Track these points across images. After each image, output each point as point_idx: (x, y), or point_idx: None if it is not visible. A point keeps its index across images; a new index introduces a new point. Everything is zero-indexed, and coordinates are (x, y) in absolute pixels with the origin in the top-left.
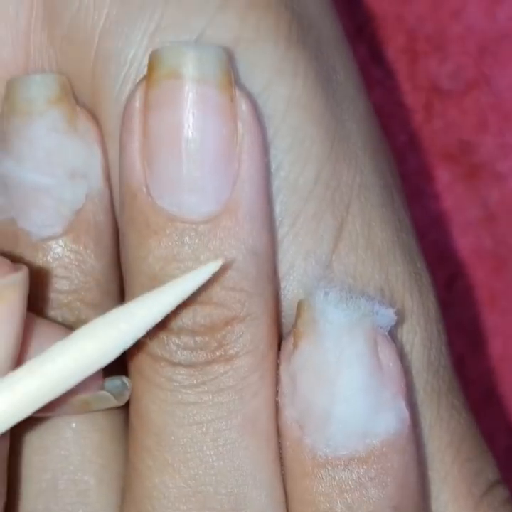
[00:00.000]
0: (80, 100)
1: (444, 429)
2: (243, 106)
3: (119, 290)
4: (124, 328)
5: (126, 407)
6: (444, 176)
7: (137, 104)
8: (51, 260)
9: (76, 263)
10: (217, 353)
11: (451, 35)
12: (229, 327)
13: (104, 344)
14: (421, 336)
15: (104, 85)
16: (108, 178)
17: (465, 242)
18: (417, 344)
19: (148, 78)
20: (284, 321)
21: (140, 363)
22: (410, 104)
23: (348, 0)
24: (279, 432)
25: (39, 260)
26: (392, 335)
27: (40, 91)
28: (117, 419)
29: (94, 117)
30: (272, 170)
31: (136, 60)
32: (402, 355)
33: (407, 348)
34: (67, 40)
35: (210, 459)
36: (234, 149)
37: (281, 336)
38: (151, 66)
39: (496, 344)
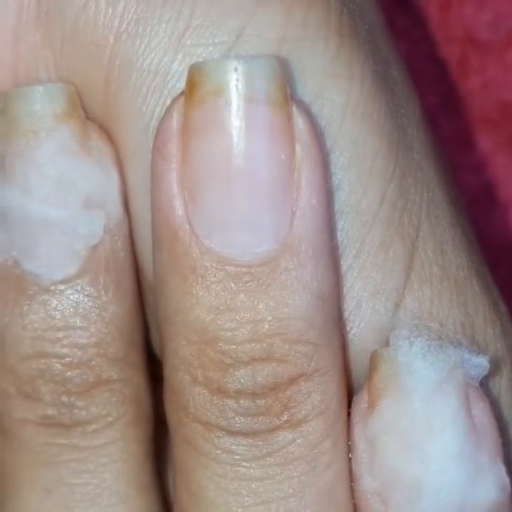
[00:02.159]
0: (88, 114)
1: None
2: (301, 125)
3: (144, 341)
4: None
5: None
6: (483, 145)
7: (175, 126)
8: (65, 308)
9: (96, 311)
10: (283, 418)
11: None
12: (295, 386)
13: None
14: (508, 377)
15: (123, 97)
16: (126, 206)
17: (509, 222)
18: (503, 388)
19: (189, 96)
20: (351, 372)
21: (188, 430)
22: (442, 58)
23: None
24: (356, 507)
25: (51, 309)
26: (484, 386)
27: (45, 105)
28: (151, 497)
29: (108, 135)
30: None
31: (162, 68)
32: (494, 408)
33: (495, 393)
34: (71, 41)
35: None
36: (292, 176)
37: (350, 391)
38: (192, 82)
39: None
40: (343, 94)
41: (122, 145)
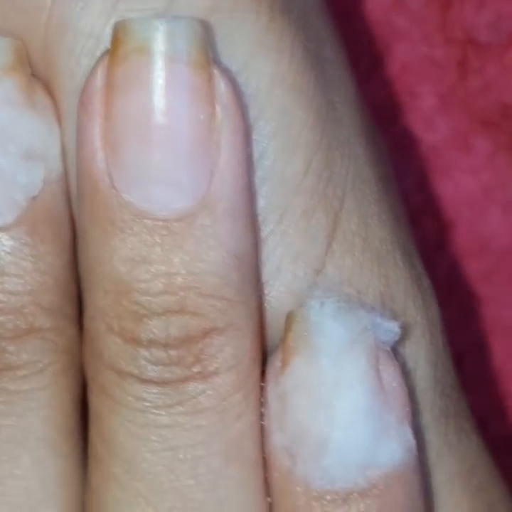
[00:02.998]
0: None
1: (453, 456)
2: (222, 87)
3: (79, 294)
4: None
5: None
6: (482, 147)
7: (99, 82)
8: (1, 255)
9: (31, 259)
10: (194, 369)
11: None
12: (207, 339)
13: None
14: (426, 350)
15: (59, 58)
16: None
17: (508, 226)
18: (421, 359)
19: (113, 53)
20: (268, 332)
21: (103, 378)
22: (441, 60)
23: None
24: (265, 462)
25: None
26: (395, 351)
27: None
28: (78, 442)
29: (50, 92)
30: (255, 158)
31: (95, 31)
32: (405, 374)
33: (411, 364)
34: (10, 2)
35: (189, 491)
36: (212, 137)
37: (265, 350)
38: (117, 40)
39: None
40: (271, 65)
41: (58, 104)
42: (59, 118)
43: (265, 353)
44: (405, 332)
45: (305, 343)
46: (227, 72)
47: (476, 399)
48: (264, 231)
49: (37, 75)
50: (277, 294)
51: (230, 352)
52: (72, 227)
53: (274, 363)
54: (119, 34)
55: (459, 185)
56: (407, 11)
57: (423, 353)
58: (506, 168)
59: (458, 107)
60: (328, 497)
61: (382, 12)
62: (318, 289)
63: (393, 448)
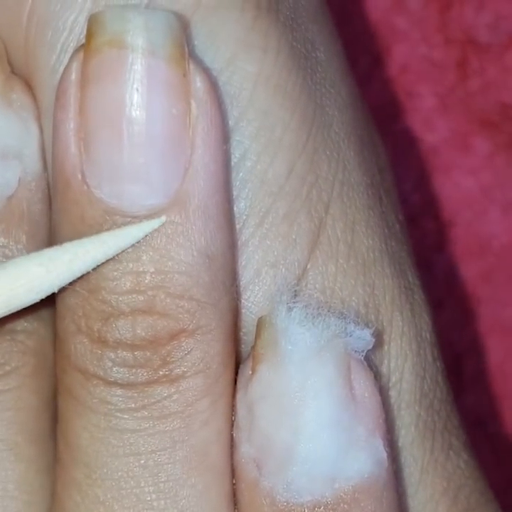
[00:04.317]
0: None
1: (438, 474)
2: (198, 83)
3: (53, 294)
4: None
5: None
6: (481, 147)
7: (73, 76)
8: None
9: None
10: (161, 372)
11: None
12: (175, 342)
13: (29, 281)
14: (412, 362)
15: (40, 54)
16: (45, 160)
17: (507, 226)
18: (407, 371)
19: (87, 46)
20: (245, 338)
21: (69, 379)
22: (441, 60)
23: None
24: (233, 473)
25: None
26: (370, 361)
27: None
28: (45, 446)
29: (30, 89)
30: (236, 159)
31: (77, 26)
32: (386, 385)
33: (396, 376)
34: None
35: (149, 498)
36: (186, 133)
37: (241, 357)
38: (90, 32)
39: None
40: (255, 64)
41: (39, 100)
42: (40, 115)
43: (241, 361)
44: (390, 343)
45: (272, 350)
46: (204, 68)
47: (475, 399)
48: (245, 234)
49: (18, 72)
50: (256, 300)
51: (198, 355)
52: (49, 226)
53: (244, 370)
54: (92, 27)
55: (458, 185)
56: (406, 11)
57: (409, 365)
58: (506, 168)
59: (457, 107)
60: (294, 510)
61: (382, 12)
62: (287, 294)
63: (362, 460)
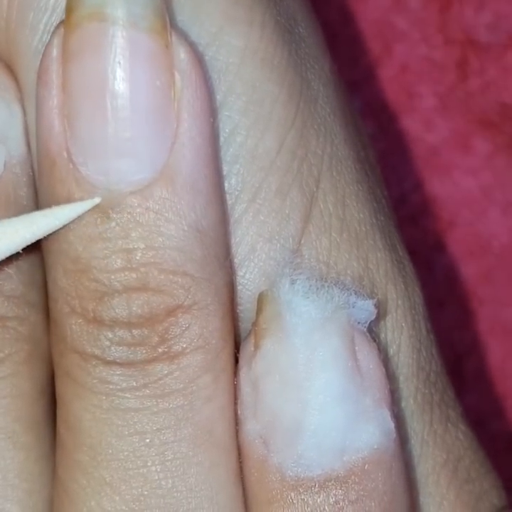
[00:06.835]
0: None
1: (438, 446)
2: (181, 54)
3: (45, 280)
4: None
5: (55, 420)
6: (481, 147)
7: (54, 52)
8: None
9: None
10: (160, 350)
11: None
12: (172, 318)
13: None
14: (408, 335)
15: (21, 35)
16: (29, 143)
17: (507, 226)
18: (404, 344)
19: (67, 21)
20: (242, 315)
21: (67, 361)
22: (441, 60)
23: None
24: (239, 450)
25: None
26: (372, 332)
27: None
28: (42, 433)
29: (12, 72)
30: (226, 135)
31: (59, 6)
32: (386, 357)
33: (393, 348)
34: None
35: (157, 477)
36: (171, 105)
37: (240, 334)
38: (70, 7)
39: None
40: (241, 38)
41: (21, 83)
42: (22, 98)
43: (240, 338)
44: (386, 316)
45: (276, 324)
46: (187, 40)
47: (476, 399)
48: (238, 210)
49: (0, 56)
50: (252, 276)
51: (196, 331)
52: (35, 210)
53: (246, 347)
54: (71, 1)
55: (458, 185)
56: (406, 11)
57: (405, 338)
58: (506, 168)
59: (457, 107)
60: (304, 484)
61: (382, 12)
62: (289, 267)
63: (371, 431)
